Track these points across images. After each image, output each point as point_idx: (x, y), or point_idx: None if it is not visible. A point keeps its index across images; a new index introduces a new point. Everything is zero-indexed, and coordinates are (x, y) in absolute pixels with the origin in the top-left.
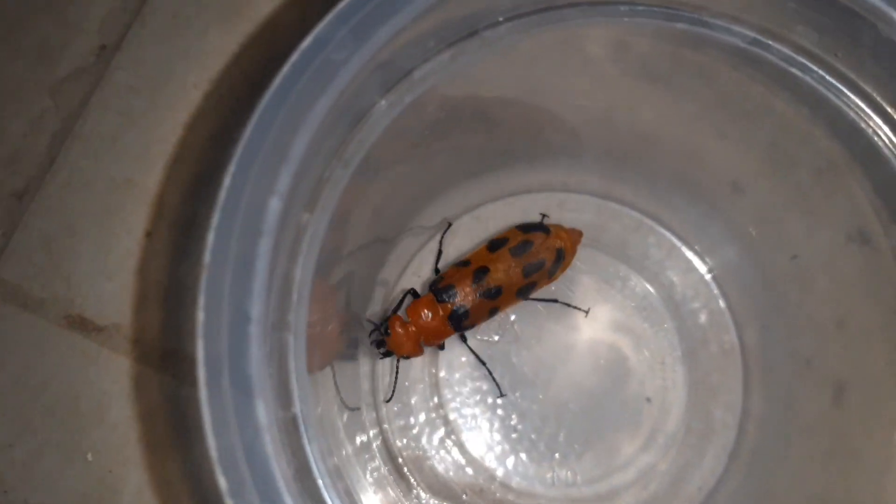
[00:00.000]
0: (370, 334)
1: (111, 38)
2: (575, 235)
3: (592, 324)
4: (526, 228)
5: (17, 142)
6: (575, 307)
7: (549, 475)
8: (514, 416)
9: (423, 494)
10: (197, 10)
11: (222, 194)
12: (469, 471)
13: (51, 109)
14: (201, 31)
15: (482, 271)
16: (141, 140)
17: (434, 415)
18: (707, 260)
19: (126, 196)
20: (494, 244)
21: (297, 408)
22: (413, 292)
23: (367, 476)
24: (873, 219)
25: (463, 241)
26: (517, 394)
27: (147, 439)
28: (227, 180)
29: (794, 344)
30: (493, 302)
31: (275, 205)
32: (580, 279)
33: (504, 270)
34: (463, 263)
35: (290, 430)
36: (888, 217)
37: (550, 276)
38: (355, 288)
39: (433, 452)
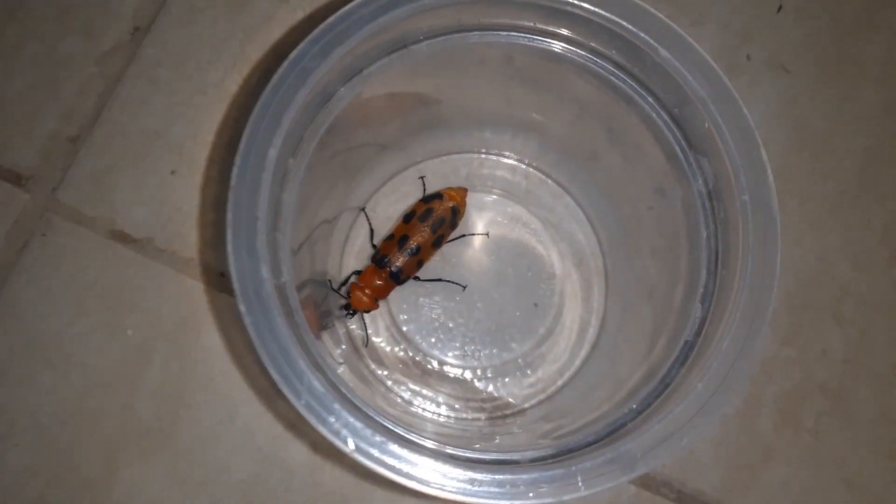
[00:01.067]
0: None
1: (143, 22)
2: (462, 192)
3: (499, 249)
4: (426, 200)
5: (71, 99)
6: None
7: (459, 353)
8: (438, 310)
9: (371, 364)
10: (209, 4)
11: (242, 147)
12: (407, 348)
13: (96, 75)
14: (212, 20)
15: (404, 239)
16: (166, 102)
17: (384, 310)
18: (584, 206)
19: (154, 144)
20: (407, 217)
21: (286, 277)
22: (356, 272)
23: (333, 347)
24: (665, 179)
25: (410, 187)
26: (440, 296)
27: (173, 320)
28: (243, 140)
29: (632, 266)
30: (417, 257)
31: (272, 153)
32: (494, 218)
33: (419, 233)
34: (389, 238)
35: (282, 291)
36: (673, 178)
37: (453, 227)
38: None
39: (379, 335)
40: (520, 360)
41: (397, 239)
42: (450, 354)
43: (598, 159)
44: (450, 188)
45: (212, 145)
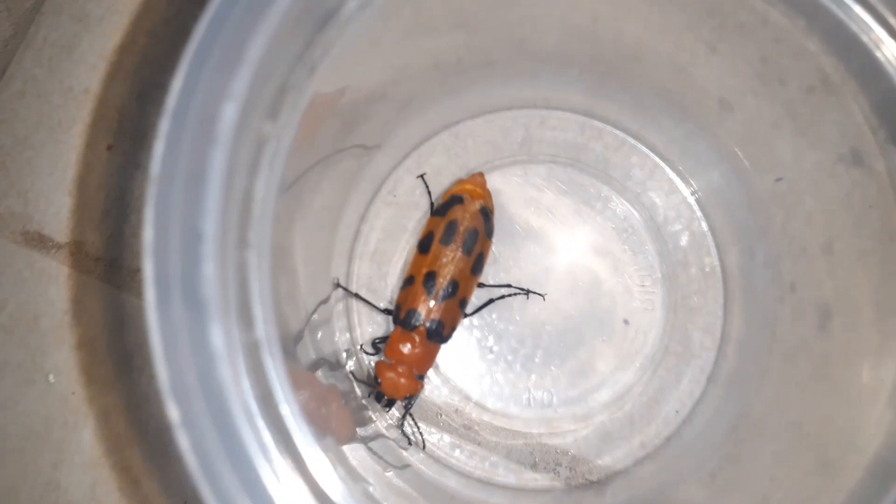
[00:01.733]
0: (368, 393)
1: None
2: (478, 179)
3: (571, 245)
4: (442, 211)
5: None
6: (533, 292)
7: (524, 396)
8: (490, 338)
9: (398, 415)
10: None
11: (172, 99)
12: (445, 391)
13: (1, 14)
14: None
15: (430, 278)
16: (99, 48)
17: None
18: (690, 181)
19: (85, 107)
20: (423, 245)
21: (261, 331)
22: (377, 342)
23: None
24: (869, 138)
25: (441, 159)
26: (493, 315)
27: (113, 359)
28: (177, 83)
29: (777, 268)
30: (456, 298)
31: (229, 111)
32: (560, 200)
33: (448, 263)
34: (408, 281)
35: (254, 355)
36: (885, 136)
37: (489, 236)
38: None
39: None
40: (607, 401)
41: (420, 280)
42: (508, 397)
43: (731, 109)
44: (461, 181)
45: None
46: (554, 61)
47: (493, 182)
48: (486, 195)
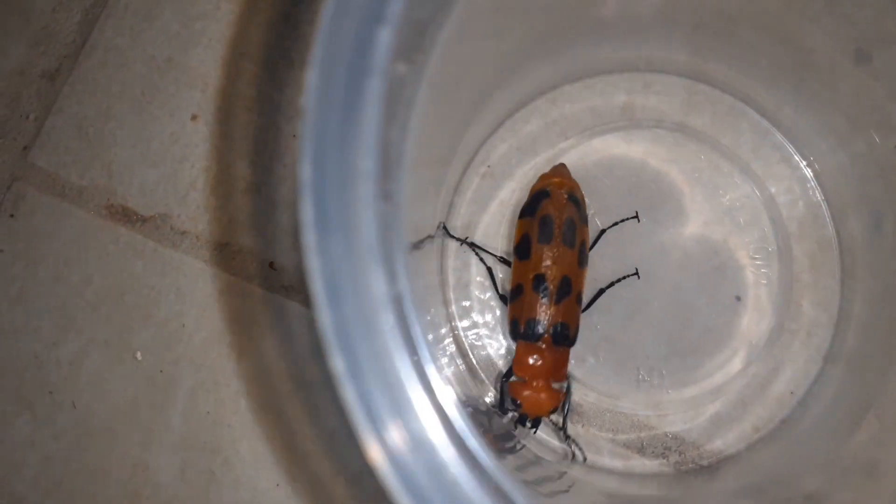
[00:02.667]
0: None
1: None
2: (563, 171)
3: (679, 218)
4: (530, 210)
5: (46, 17)
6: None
7: (631, 376)
8: (593, 315)
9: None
10: None
11: (324, 24)
12: None
13: None
14: None
15: (539, 281)
16: (181, 16)
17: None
18: (805, 147)
19: (167, 77)
20: (521, 250)
21: (403, 284)
22: (507, 374)
23: (445, 371)
24: None
25: (536, 126)
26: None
27: (201, 336)
28: (329, 5)
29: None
30: (571, 295)
31: (385, 37)
32: (667, 171)
33: (552, 261)
34: (516, 292)
35: (398, 307)
36: None
37: (585, 222)
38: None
39: (503, 352)
40: (718, 382)
41: (529, 287)
42: (613, 377)
43: (869, 61)
44: (543, 175)
45: (249, 74)
46: (658, 19)
47: (593, 150)
48: (574, 184)
